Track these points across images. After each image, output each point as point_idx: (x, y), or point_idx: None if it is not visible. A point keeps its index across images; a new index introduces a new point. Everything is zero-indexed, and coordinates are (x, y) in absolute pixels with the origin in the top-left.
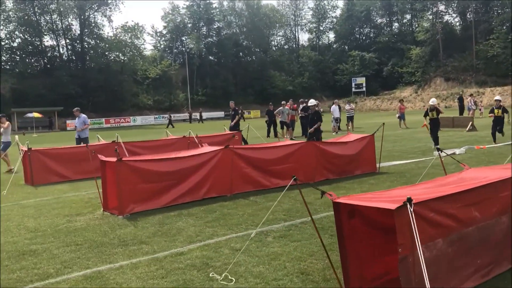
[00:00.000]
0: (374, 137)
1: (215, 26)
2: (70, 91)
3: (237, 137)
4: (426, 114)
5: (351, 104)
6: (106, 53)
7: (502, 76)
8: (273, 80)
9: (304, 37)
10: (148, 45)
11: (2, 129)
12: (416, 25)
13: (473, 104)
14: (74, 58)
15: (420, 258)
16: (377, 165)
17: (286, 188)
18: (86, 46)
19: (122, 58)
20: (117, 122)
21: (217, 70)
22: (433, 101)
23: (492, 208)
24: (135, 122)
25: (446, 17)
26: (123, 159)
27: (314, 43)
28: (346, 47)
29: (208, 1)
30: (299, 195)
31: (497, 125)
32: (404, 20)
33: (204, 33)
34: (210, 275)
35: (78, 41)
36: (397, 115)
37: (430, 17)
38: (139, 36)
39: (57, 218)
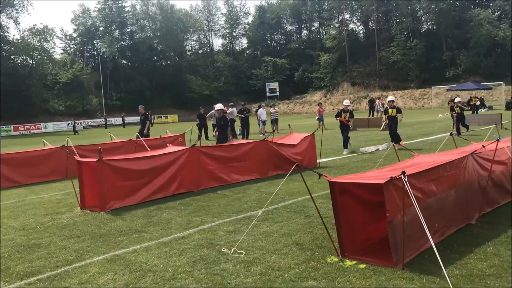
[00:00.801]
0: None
1: (128, 30)
2: None
3: (181, 139)
4: (338, 115)
5: (276, 108)
6: (12, 56)
7: (402, 80)
8: (189, 85)
9: (217, 42)
10: (57, 49)
11: None
12: (324, 33)
13: (381, 106)
14: None
15: (402, 219)
16: (318, 161)
17: (289, 174)
18: None
19: (30, 62)
20: (27, 129)
21: (131, 75)
22: (346, 102)
23: (445, 183)
24: (47, 128)
25: (351, 26)
26: (103, 159)
27: (228, 48)
28: (259, 53)
29: (120, 4)
30: (262, 187)
31: (393, 124)
32: (313, 28)
33: (117, 36)
34: (222, 249)
35: None
36: (317, 117)
37: (337, 25)
38: (48, 39)
39: (38, 217)
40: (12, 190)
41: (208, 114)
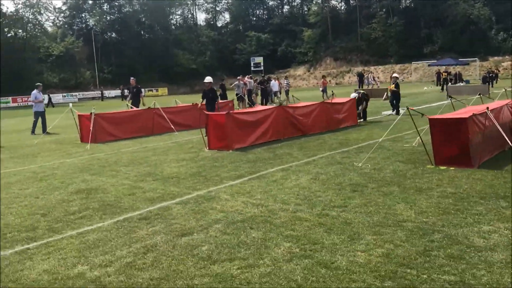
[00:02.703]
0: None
1: (116, 3)
2: None
3: (231, 104)
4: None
5: (288, 80)
6: (6, 29)
7: (382, 56)
8: (177, 59)
9: (201, 17)
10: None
11: None
12: (306, 9)
13: (372, 79)
14: None
15: (480, 140)
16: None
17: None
18: None
19: (23, 34)
20: (24, 101)
21: (121, 48)
22: (395, 75)
23: (500, 119)
24: (44, 100)
25: (333, 2)
26: (230, 112)
27: (212, 22)
28: (241, 28)
29: None
30: (332, 137)
31: (392, 95)
32: (294, 3)
33: (106, 10)
34: (354, 163)
35: None
36: (321, 89)
37: (319, 1)
38: (42, 12)
39: (184, 154)
40: (123, 142)
41: (232, 85)
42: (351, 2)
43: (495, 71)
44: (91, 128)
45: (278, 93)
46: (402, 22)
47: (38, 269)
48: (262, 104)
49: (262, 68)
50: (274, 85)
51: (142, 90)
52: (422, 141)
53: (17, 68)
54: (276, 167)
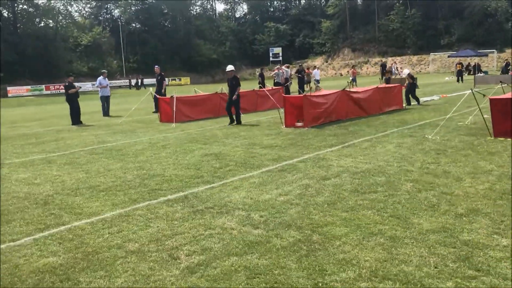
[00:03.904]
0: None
1: None
2: (7, 58)
3: (281, 91)
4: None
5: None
6: (37, 19)
7: (400, 47)
8: (199, 49)
9: (219, 7)
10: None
11: None
12: (323, 0)
13: (395, 69)
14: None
15: None
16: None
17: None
18: (19, 12)
19: (54, 25)
20: (57, 88)
21: (146, 38)
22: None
23: None
24: None
25: None
26: (306, 95)
27: (230, 13)
28: (258, 18)
29: None
30: (390, 117)
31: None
32: None
33: (130, 1)
34: (425, 136)
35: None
36: (351, 78)
37: None
38: (72, 3)
39: (266, 130)
40: (201, 122)
41: (272, 74)
42: None
43: None
44: (173, 109)
45: (319, 81)
46: (419, 14)
47: (238, 196)
48: (299, 92)
49: (280, 58)
50: (317, 73)
51: (166, 79)
52: (484, 118)
53: (49, 57)
54: (359, 139)
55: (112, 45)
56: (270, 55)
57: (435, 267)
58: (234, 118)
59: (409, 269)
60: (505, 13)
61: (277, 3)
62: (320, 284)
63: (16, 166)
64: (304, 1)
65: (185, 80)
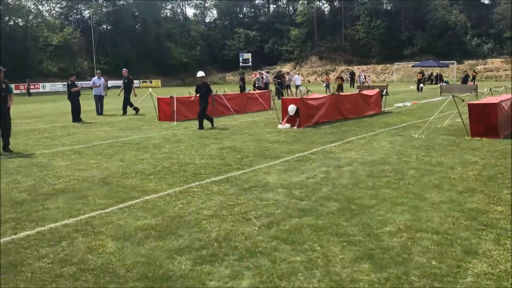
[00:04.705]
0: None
1: None
2: None
3: (268, 94)
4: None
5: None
6: (7, 17)
7: (365, 56)
8: (169, 52)
9: (190, 12)
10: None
11: None
12: (291, 9)
13: (364, 78)
14: None
15: (503, 119)
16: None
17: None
18: None
19: (24, 24)
20: (25, 87)
21: (116, 40)
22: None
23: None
24: (45, 88)
25: (318, 3)
26: (303, 97)
27: (200, 18)
28: (227, 23)
29: None
30: (374, 120)
31: None
32: (280, 3)
33: (101, 3)
34: (411, 135)
35: None
36: (325, 84)
37: (305, 2)
38: (44, 2)
39: (267, 128)
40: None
41: (254, 78)
42: (335, 4)
43: (473, 73)
44: (175, 109)
45: (300, 86)
46: (384, 24)
47: (271, 179)
48: (278, 97)
49: (250, 64)
50: (297, 79)
51: (134, 81)
52: (463, 120)
53: (18, 57)
54: (354, 137)
55: (83, 46)
56: (240, 60)
57: (453, 224)
58: (209, 123)
59: (434, 225)
60: (463, 26)
61: (247, 9)
62: (372, 234)
63: (50, 156)
64: (272, 9)
65: (156, 82)
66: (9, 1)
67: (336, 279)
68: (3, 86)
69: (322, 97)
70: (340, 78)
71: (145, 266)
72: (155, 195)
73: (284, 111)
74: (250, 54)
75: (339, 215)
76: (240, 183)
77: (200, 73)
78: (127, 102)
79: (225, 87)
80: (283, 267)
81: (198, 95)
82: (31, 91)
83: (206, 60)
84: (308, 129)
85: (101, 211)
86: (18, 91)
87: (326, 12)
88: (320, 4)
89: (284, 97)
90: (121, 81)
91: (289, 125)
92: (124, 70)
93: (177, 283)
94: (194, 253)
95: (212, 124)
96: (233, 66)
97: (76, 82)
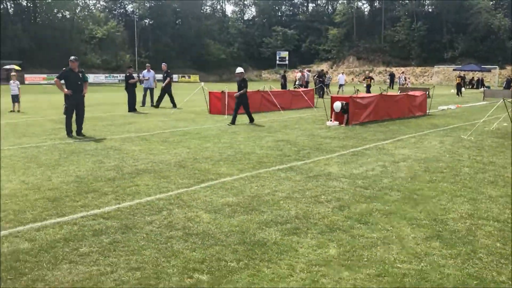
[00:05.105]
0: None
1: None
2: (24, 46)
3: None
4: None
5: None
6: (55, 10)
7: (404, 58)
8: (208, 48)
9: (229, 9)
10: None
11: None
12: (330, 8)
13: (404, 79)
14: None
15: None
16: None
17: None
18: (38, 2)
19: (72, 16)
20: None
21: (158, 35)
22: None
23: None
24: (89, 79)
25: (358, 3)
26: (352, 96)
27: (238, 15)
28: (265, 21)
29: None
30: (424, 119)
31: None
32: (318, 2)
33: None
34: (461, 136)
35: None
36: (365, 85)
37: (345, 1)
38: None
39: (313, 125)
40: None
41: (297, 76)
42: (375, 4)
43: None
44: (226, 103)
45: (343, 86)
46: (425, 27)
47: (333, 169)
48: (319, 95)
49: (287, 62)
50: (341, 78)
51: (172, 75)
52: None
53: (64, 48)
54: (404, 135)
55: (125, 39)
56: (277, 58)
57: None
58: (243, 118)
59: (493, 214)
60: (507, 31)
61: (285, 8)
62: (437, 219)
63: (120, 141)
64: (311, 8)
65: (194, 77)
66: None
67: (412, 252)
68: (80, 75)
69: (370, 96)
70: (369, 78)
71: (241, 234)
72: (229, 178)
73: (333, 108)
74: (287, 53)
75: (403, 203)
76: (304, 171)
77: (239, 69)
78: (170, 95)
79: (270, 84)
80: (363, 241)
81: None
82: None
83: (243, 57)
84: (356, 127)
85: (186, 189)
86: (62, 81)
87: (365, 12)
88: (360, 4)
89: (333, 95)
90: (161, 75)
91: (337, 122)
92: (163, 64)
93: (272, 248)
94: (280, 226)
95: (233, 122)
96: (269, 64)
97: (122, 75)
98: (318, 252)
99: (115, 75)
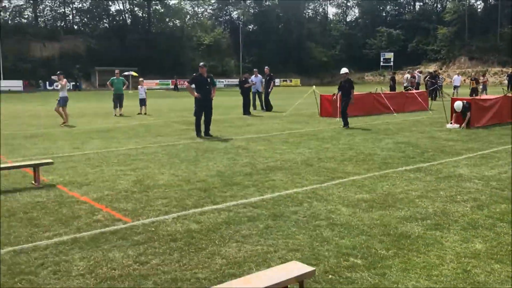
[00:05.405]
0: None
1: None
2: (141, 54)
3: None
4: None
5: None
6: (167, 19)
7: None
8: (310, 52)
9: (331, 11)
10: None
11: (60, 85)
12: (439, 6)
13: None
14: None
15: None
16: None
17: None
18: (152, 12)
19: (182, 24)
20: (180, 84)
21: (261, 40)
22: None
23: None
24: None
25: (471, 0)
26: (474, 98)
27: (341, 17)
28: (368, 22)
29: None
30: None
31: None
32: (427, 0)
33: (248, 3)
34: None
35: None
36: (481, 87)
37: None
38: (199, 4)
39: (431, 127)
40: (357, 118)
41: (405, 78)
42: (490, 1)
43: None
44: (338, 105)
45: (458, 88)
46: None
47: (463, 171)
48: (432, 97)
49: (392, 63)
50: (457, 79)
51: (275, 79)
52: None
53: (175, 55)
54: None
55: (231, 45)
56: (381, 59)
57: None
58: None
59: None
60: None
61: (390, 8)
62: None
63: (245, 141)
64: (418, 7)
65: (296, 81)
66: (170, 4)
67: None
68: (208, 80)
69: (493, 98)
70: (475, 80)
71: (383, 227)
72: (358, 176)
73: (453, 110)
74: (392, 54)
75: None
76: (433, 173)
77: (344, 70)
78: (267, 97)
79: (382, 86)
80: (508, 238)
81: (340, 93)
82: (178, 86)
83: (345, 59)
84: (479, 129)
85: (320, 185)
86: (172, 86)
87: (479, 10)
88: (473, 1)
89: (454, 97)
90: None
91: (458, 125)
92: (266, 68)
93: (418, 240)
94: (420, 222)
95: (345, 124)
96: (372, 66)
97: (228, 80)
98: (465, 246)
99: (221, 80)
